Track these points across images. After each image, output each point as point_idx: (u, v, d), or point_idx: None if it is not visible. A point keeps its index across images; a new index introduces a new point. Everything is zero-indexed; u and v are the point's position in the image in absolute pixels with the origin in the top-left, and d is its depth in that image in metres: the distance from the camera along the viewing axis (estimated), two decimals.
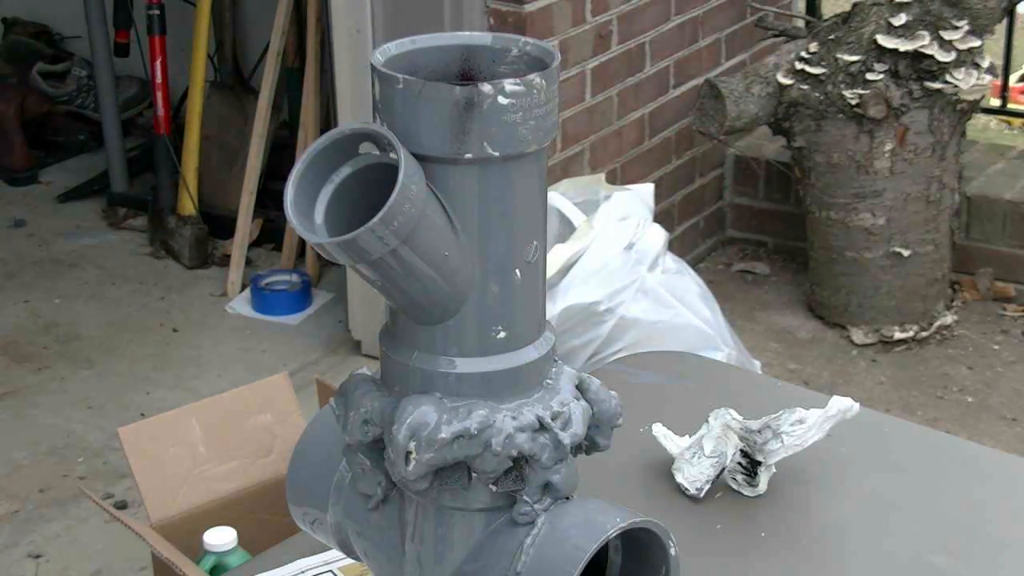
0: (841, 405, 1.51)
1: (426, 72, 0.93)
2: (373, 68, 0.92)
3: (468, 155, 0.90)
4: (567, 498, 0.98)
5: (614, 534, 0.96)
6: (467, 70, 0.96)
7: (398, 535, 1.02)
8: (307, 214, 0.91)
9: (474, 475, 0.96)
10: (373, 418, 0.97)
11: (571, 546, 0.95)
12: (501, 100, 0.89)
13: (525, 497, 0.97)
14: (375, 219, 0.85)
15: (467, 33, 0.97)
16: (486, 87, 0.89)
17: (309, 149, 0.91)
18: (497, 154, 0.90)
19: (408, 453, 0.93)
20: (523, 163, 0.93)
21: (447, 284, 0.93)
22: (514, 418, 0.95)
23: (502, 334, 0.96)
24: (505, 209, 0.93)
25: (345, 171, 0.92)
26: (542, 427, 0.96)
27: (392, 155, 0.88)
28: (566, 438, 0.96)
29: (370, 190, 0.91)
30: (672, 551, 0.99)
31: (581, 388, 1.01)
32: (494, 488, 0.96)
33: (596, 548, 0.94)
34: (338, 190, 0.92)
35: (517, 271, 0.95)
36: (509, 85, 0.89)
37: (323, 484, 1.07)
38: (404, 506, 1.01)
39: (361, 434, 0.97)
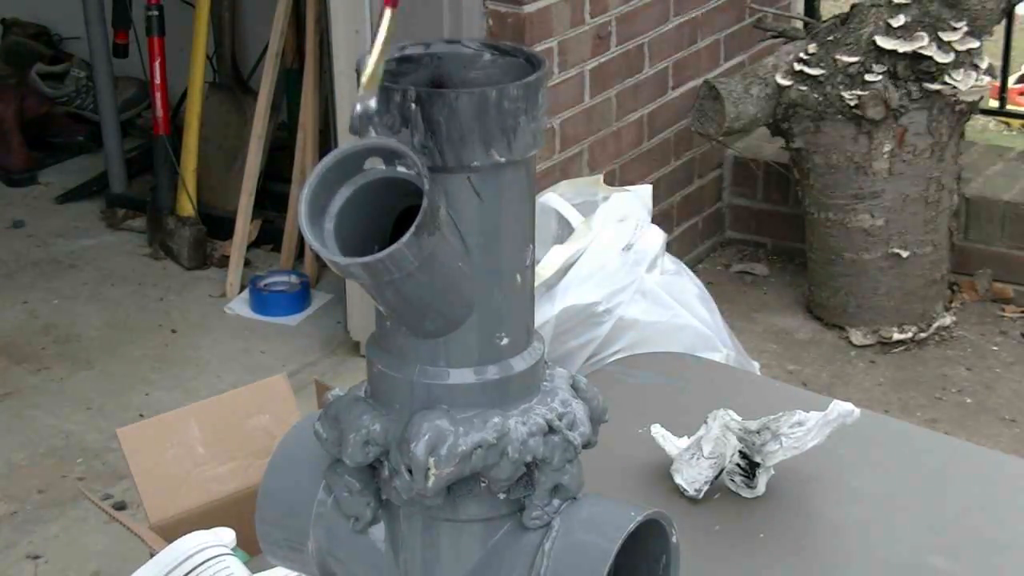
0: (841, 410, 1.51)
1: (406, 82, 0.93)
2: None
3: (475, 163, 0.90)
4: (574, 498, 0.98)
5: (633, 527, 0.96)
6: (439, 76, 0.96)
7: (389, 555, 1.01)
8: (319, 235, 0.90)
9: (481, 484, 0.95)
10: (374, 438, 0.96)
11: (594, 545, 0.95)
12: (506, 105, 0.89)
13: (536, 501, 0.96)
14: (405, 238, 0.84)
15: (443, 39, 0.96)
16: (492, 92, 0.89)
17: (319, 166, 0.90)
18: (503, 160, 0.90)
19: (427, 469, 0.92)
20: (521, 168, 0.93)
21: (457, 296, 0.92)
22: (524, 423, 0.95)
23: (505, 340, 0.95)
24: (505, 215, 0.93)
25: (345, 192, 0.91)
26: (551, 430, 0.96)
27: (401, 168, 0.87)
28: (576, 438, 0.96)
29: (368, 207, 0.90)
30: (673, 539, 1.00)
31: (573, 387, 1.01)
32: (503, 496, 0.96)
33: (620, 543, 0.95)
34: (342, 209, 0.91)
35: (518, 276, 0.95)
36: (514, 89, 0.89)
37: (299, 515, 1.04)
38: (397, 524, 1.00)
39: (363, 456, 0.96)
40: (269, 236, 3.91)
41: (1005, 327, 3.58)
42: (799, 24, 3.72)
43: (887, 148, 3.38)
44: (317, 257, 3.64)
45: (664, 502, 1.51)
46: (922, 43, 3.29)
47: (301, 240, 3.76)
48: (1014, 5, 3.48)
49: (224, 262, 3.83)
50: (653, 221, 2.91)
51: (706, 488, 1.52)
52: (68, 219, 4.19)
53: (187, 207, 3.88)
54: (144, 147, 4.31)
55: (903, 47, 3.30)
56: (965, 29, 3.30)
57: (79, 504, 2.88)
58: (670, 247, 3.03)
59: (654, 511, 0.98)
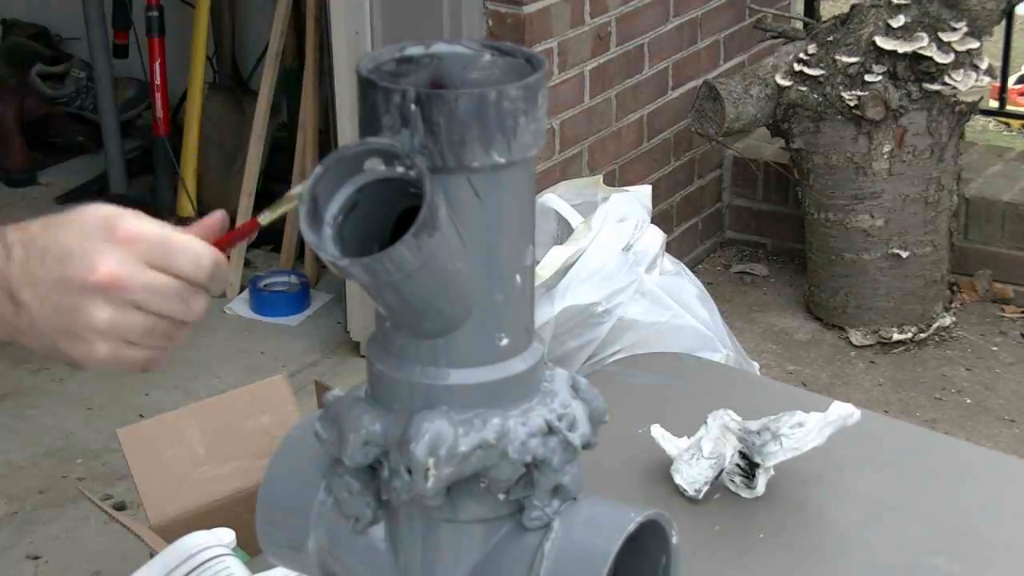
0: (842, 411, 1.51)
1: (406, 82, 0.93)
2: (366, 81, 0.91)
3: (475, 163, 0.89)
4: (574, 499, 0.98)
5: (633, 528, 0.96)
6: (439, 77, 0.96)
7: (390, 555, 1.01)
8: (319, 236, 0.90)
9: (481, 485, 0.95)
10: (374, 439, 0.96)
11: (593, 546, 0.95)
12: (506, 106, 0.89)
13: (535, 502, 0.96)
14: (405, 238, 0.84)
15: (443, 40, 0.96)
16: (491, 93, 0.88)
17: (319, 167, 0.89)
18: (503, 160, 0.90)
19: (426, 470, 0.92)
20: (522, 168, 0.92)
21: (457, 297, 0.92)
22: (524, 424, 0.94)
23: (505, 341, 0.95)
24: (506, 215, 0.93)
25: (345, 193, 0.91)
26: (551, 430, 0.95)
27: (400, 169, 0.87)
28: (576, 439, 0.96)
29: (368, 208, 0.90)
30: (674, 539, 1.00)
31: (572, 388, 1.01)
32: (502, 497, 0.96)
33: (620, 544, 0.95)
34: (342, 210, 0.91)
35: (517, 276, 0.95)
36: (513, 90, 0.89)
37: (299, 515, 1.04)
38: (397, 525, 1.00)
39: (363, 456, 0.96)
40: (269, 236, 3.91)
41: (1005, 327, 3.58)
42: (799, 24, 3.72)
43: (887, 148, 3.38)
44: (317, 257, 3.63)
45: (664, 502, 1.51)
46: (922, 43, 3.29)
47: (301, 240, 3.76)
48: (1014, 5, 3.48)
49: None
50: (653, 221, 2.91)
51: (706, 488, 1.52)
52: None
53: (187, 207, 3.88)
54: (144, 147, 4.31)
55: (903, 47, 3.30)
56: (965, 29, 3.30)
57: (79, 504, 2.87)
58: (670, 247, 3.03)
59: (654, 512, 0.98)
